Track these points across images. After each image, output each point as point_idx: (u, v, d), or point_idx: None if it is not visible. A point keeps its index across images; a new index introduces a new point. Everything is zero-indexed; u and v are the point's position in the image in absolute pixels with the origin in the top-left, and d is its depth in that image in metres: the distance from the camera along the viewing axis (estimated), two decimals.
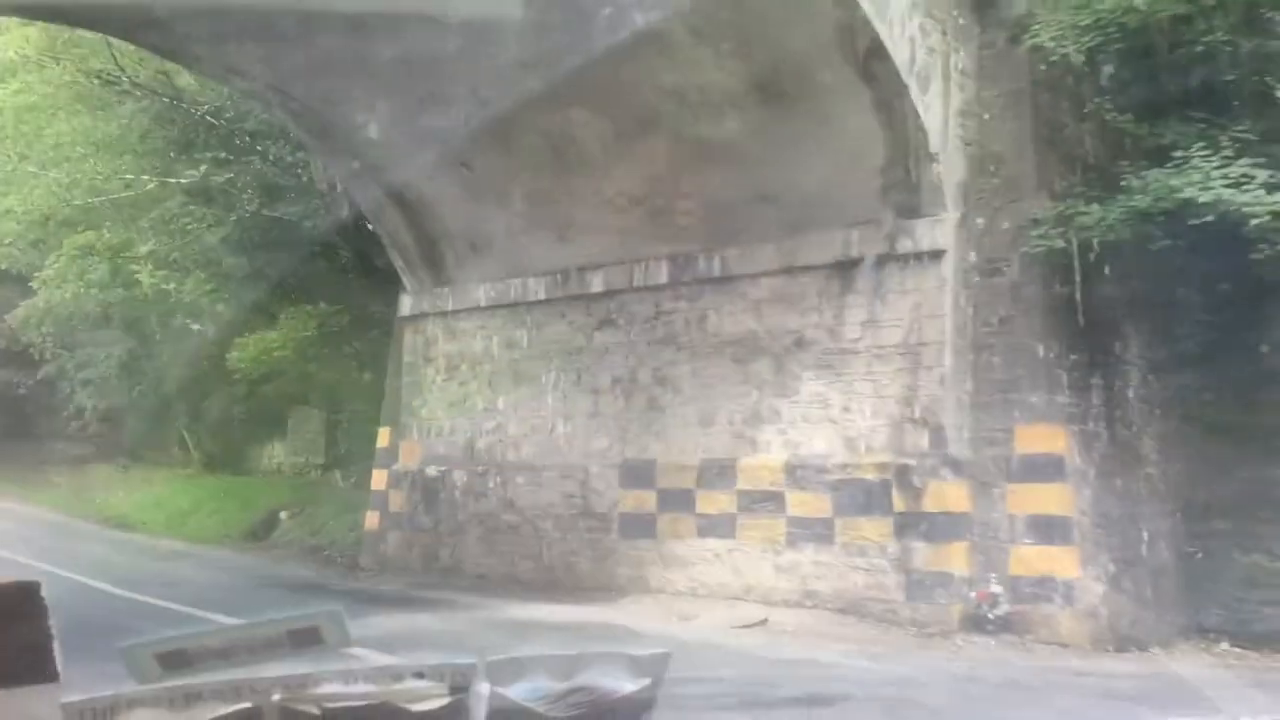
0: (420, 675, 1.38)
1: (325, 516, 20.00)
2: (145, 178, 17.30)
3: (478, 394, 14.71)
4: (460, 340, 14.99)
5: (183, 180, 17.48)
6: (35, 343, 28.54)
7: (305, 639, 1.37)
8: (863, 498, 11.17)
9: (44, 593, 1.26)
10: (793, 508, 11.63)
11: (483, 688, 1.39)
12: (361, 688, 1.35)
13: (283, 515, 20.88)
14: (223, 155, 17.51)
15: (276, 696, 1.30)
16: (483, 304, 14.72)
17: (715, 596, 12.01)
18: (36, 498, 27.34)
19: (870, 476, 11.17)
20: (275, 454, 27.25)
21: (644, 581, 12.68)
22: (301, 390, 24.72)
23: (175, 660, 1.31)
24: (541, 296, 14.10)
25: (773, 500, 11.77)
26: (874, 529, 11.05)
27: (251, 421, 26.78)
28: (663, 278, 13.00)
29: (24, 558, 16.77)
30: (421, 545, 14.99)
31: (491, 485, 14.28)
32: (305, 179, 17.40)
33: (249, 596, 13.21)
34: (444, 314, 15.19)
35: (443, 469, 14.86)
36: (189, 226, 17.11)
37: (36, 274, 20.14)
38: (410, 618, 11.34)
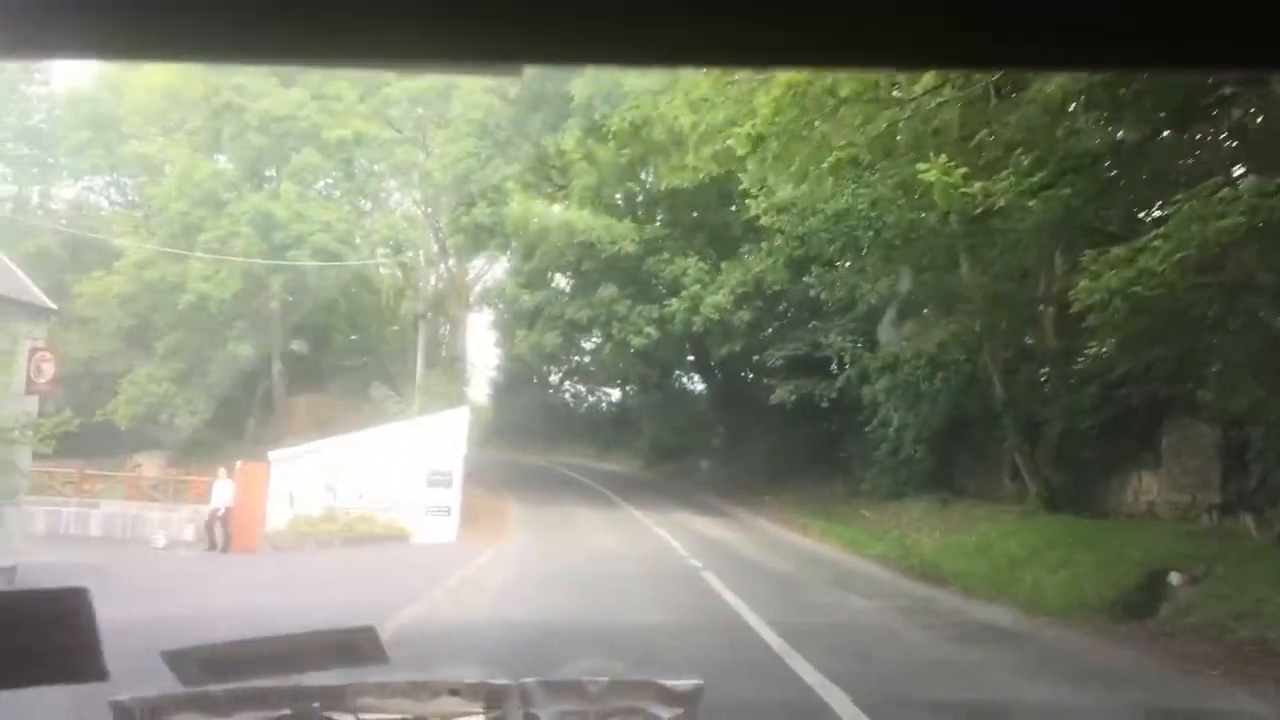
0: (455, 693, 1.37)
1: (1250, 586, 11.31)
2: None
3: None
4: None
5: None
6: (835, 346, 23.76)
7: (342, 653, 1.37)
8: None
9: (91, 598, 1.22)
10: None
11: (516, 709, 1.38)
12: (398, 702, 1.36)
13: (1173, 579, 12.56)
14: None
15: (316, 704, 1.34)
16: None
17: None
18: (832, 533, 22.22)
19: None
20: (1145, 488, 18.95)
21: None
22: (1182, 385, 16.31)
23: (216, 667, 1.34)
24: None
25: None
26: None
27: (1107, 439, 18.93)
28: None
29: (761, 622, 10.87)
30: None
31: None
32: None
33: None
34: None
35: None
36: None
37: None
38: None
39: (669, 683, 1.46)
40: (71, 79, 36.55)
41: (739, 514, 26.83)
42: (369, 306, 31.77)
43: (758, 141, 11.80)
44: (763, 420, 28.24)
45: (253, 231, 26.34)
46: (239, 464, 23.59)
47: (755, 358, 25.81)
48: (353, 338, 32.52)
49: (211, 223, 27.62)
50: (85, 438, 39.14)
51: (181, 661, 1.33)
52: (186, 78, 32.94)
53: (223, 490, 21.85)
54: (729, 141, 12.55)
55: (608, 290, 25.07)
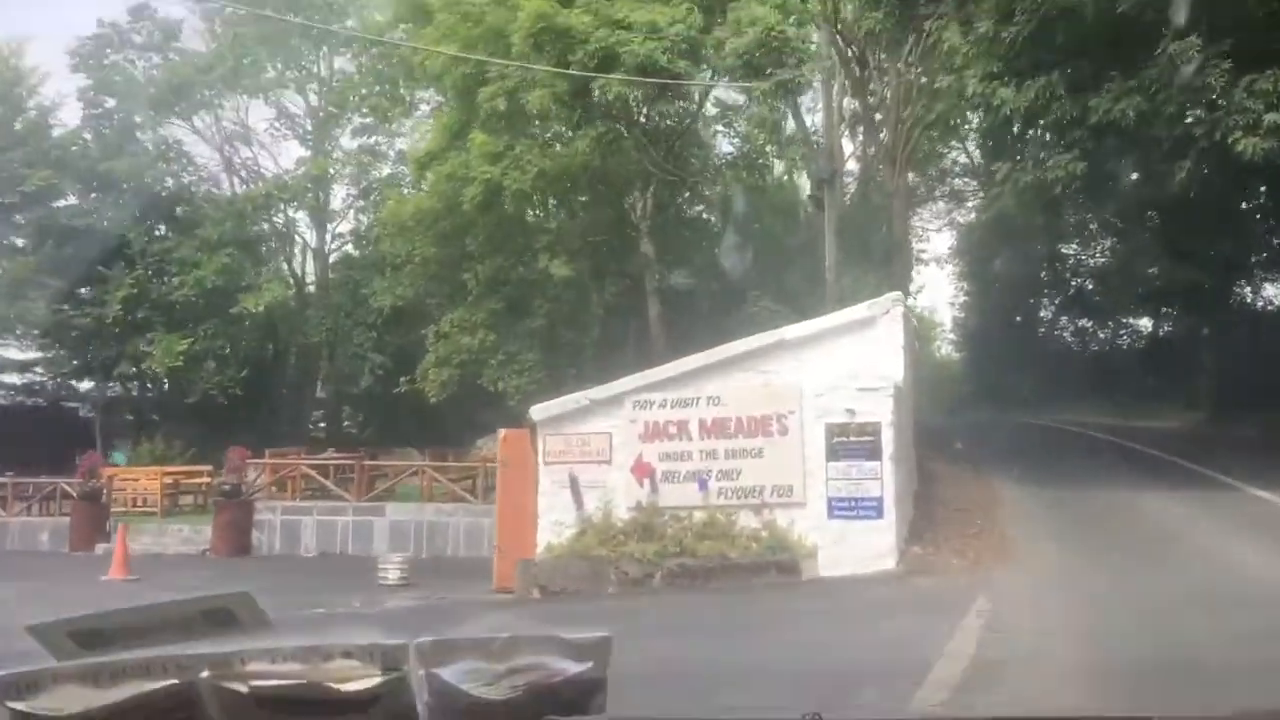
0: (349, 655, 1.29)
1: None
2: None
3: None
4: None
5: None
6: None
7: (220, 619, 1.35)
8: None
9: None
10: None
11: (417, 669, 1.30)
12: (289, 667, 1.28)
13: None
14: None
15: (205, 674, 1.25)
16: None
17: None
18: None
19: None
20: None
21: None
22: None
23: (90, 638, 1.30)
24: None
25: None
26: None
27: None
28: None
29: None
30: None
31: None
32: None
33: None
34: None
35: None
36: None
37: None
38: None
39: (572, 636, 1.34)
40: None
41: None
42: (740, 172, 20.66)
43: None
44: None
45: (540, 58, 16.30)
46: (501, 433, 13.76)
47: None
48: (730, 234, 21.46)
49: (494, 70, 18.10)
50: (387, 421, 31.53)
51: (50, 635, 1.27)
52: None
53: None
54: None
55: (1175, 46, 12.20)
